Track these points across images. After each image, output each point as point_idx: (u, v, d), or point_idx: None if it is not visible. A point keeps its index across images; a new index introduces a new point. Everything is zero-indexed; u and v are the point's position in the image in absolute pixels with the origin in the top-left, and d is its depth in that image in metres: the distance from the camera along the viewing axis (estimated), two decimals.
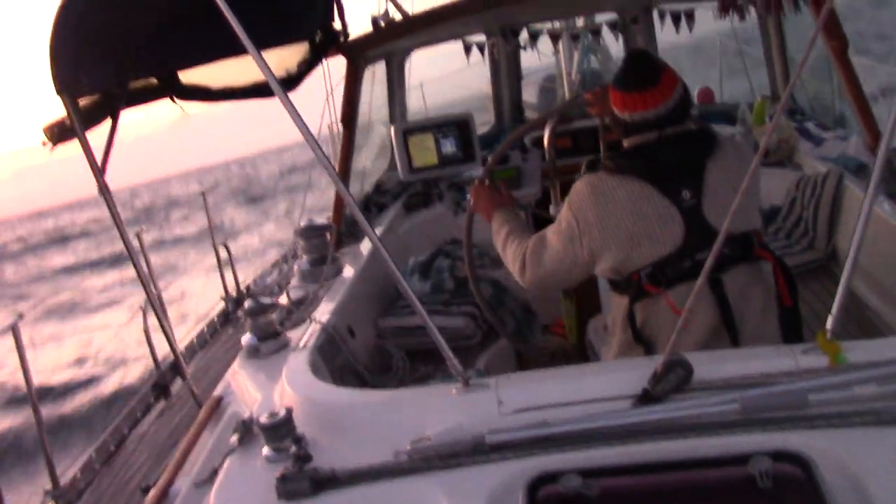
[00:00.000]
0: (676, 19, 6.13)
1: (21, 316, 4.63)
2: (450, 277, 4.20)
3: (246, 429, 2.37)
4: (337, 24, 4.09)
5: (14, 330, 4.32)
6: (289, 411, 2.18)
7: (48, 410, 8.93)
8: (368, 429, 2.21)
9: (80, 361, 12.33)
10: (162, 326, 3.78)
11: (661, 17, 6.21)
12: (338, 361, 3.20)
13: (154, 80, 3.34)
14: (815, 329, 2.05)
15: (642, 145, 2.56)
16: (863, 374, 1.89)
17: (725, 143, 2.60)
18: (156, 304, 3.64)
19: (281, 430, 2.16)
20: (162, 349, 5.15)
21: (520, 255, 2.79)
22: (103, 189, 3.00)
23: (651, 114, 2.51)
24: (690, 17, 6.09)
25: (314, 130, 2.31)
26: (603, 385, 2.08)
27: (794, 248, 4.22)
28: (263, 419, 2.17)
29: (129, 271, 3.18)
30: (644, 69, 2.54)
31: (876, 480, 1.66)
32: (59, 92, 2.80)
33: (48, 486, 4.12)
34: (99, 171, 3.00)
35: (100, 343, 12.91)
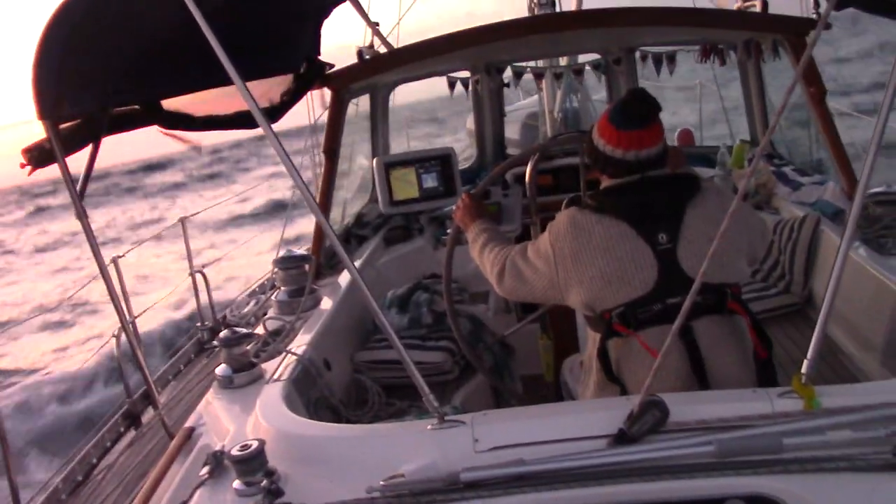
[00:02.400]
0: (658, 62, 6.22)
1: None
2: (428, 312, 4.18)
3: (217, 461, 2.33)
4: (322, 57, 4.11)
5: None
6: (261, 444, 2.15)
7: (13, 425, 8.77)
8: (342, 464, 2.18)
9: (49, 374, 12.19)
10: (134, 354, 3.74)
11: (643, 59, 6.29)
12: (313, 394, 3.17)
13: (137, 107, 3.33)
14: (790, 373, 2.06)
15: (624, 185, 2.56)
16: (837, 419, 1.90)
17: (708, 190, 2.60)
18: (129, 332, 3.59)
19: (253, 463, 2.13)
20: (134, 377, 5.09)
21: (500, 261, 2.80)
22: (81, 214, 2.97)
23: (649, 153, 2.52)
24: (672, 60, 6.19)
25: (296, 161, 2.32)
26: (579, 424, 2.07)
27: (771, 290, 4.25)
28: (235, 451, 2.14)
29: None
30: (642, 109, 2.55)
31: None
32: (41, 117, 2.79)
33: None
34: (77, 197, 2.97)
35: (74, 360, 12.77)
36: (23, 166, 3.00)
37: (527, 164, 3.93)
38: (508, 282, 2.77)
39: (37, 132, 2.86)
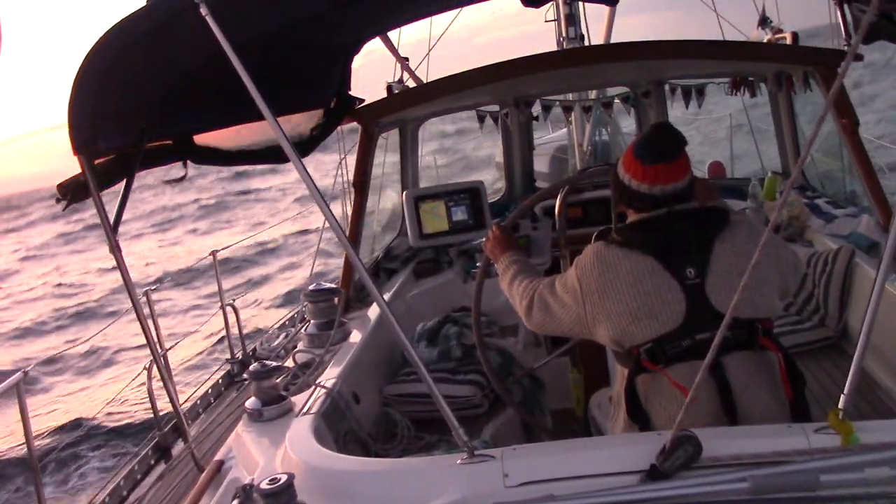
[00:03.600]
0: (687, 94, 6.21)
1: (26, 373, 4.62)
2: (458, 345, 4.17)
3: (246, 495, 2.32)
4: (352, 92, 4.16)
5: (18, 388, 4.31)
6: (290, 478, 2.14)
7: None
8: (371, 498, 2.17)
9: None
10: (166, 387, 3.75)
11: (672, 91, 6.29)
12: (342, 428, 3.16)
13: (169, 142, 3.38)
14: (825, 408, 2.02)
15: (650, 220, 2.55)
16: (876, 455, 1.85)
17: (738, 223, 2.57)
18: (161, 365, 3.61)
19: (282, 497, 2.12)
20: (164, 409, 5.10)
21: (528, 294, 2.78)
22: (114, 248, 3.01)
23: (675, 187, 2.51)
24: (700, 93, 6.17)
25: (326, 194, 2.33)
26: (611, 459, 2.04)
27: (805, 324, 4.19)
28: (264, 485, 2.13)
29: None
30: (668, 143, 2.54)
31: None
32: (76, 152, 2.84)
33: None
34: (111, 230, 3.01)
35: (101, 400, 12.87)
36: (58, 201, 3.05)
37: (556, 197, 3.93)
38: (537, 315, 2.76)
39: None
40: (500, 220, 3.36)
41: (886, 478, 1.82)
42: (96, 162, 2.95)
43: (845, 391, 1.96)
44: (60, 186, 3.03)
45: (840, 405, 1.96)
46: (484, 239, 3.24)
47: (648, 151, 2.54)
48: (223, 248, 7.90)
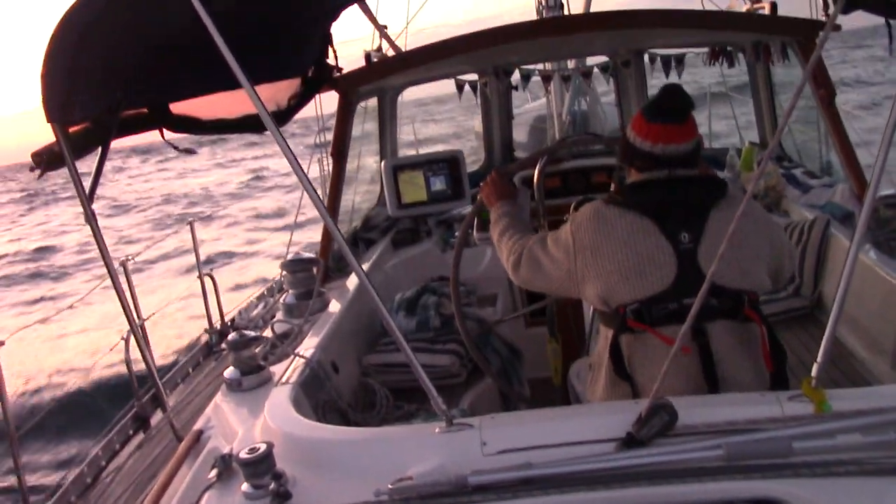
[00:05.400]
0: (667, 64, 6.21)
1: (2, 343, 4.59)
2: (436, 315, 4.18)
3: (225, 464, 2.33)
4: (330, 60, 4.11)
5: None
6: (269, 447, 2.15)
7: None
8: (349, 467, 2.18)
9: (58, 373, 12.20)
10: (144, 357, 3.75)
11: (652, 61, 6.28)
12: (321, 397, 3.17)
13: (145, 110, 3.34)
14: (800, 376, 2.05)
15: (651, 181, 2.56)
16: (847, 422, 1.89)
17: (736, 196, 2.57)
18: (138, 335, 3.60)
19: (260, 465, 2.13)
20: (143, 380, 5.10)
21: (517, 251, 2.80)
22: (90, 217, 2.98)
23: (677, 148, 2.51)
24: (680, 62, 6.17)
25: (304, 164, 2.32)
26: (587, 427, 2.06)
27: (780, 294, 4.23)
28: (243, 454, 2.14)
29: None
30: (674, 103, 2.55)
31: None
32: (50, 120, 2.80)
33: None
34: (87, 199, 2.98)
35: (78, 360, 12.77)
36: (32, 170, 3.01)
37: (534, 167, 3.93)
38: (524, 271, 2.78)
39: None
40: (476, 199, 3.36)
41: (857, 444, 1.86)
42: (71, 130, 2.92)
43: (818, 360, 1.99)
44: (35, 155, 3.00)
45: (813, 373, 1.99)
46: (481, 183, 3.25)
47: (654, 109, 2.56)
48: (199, 219, 7.84)
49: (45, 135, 2.89)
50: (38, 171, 3.02)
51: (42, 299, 19.63)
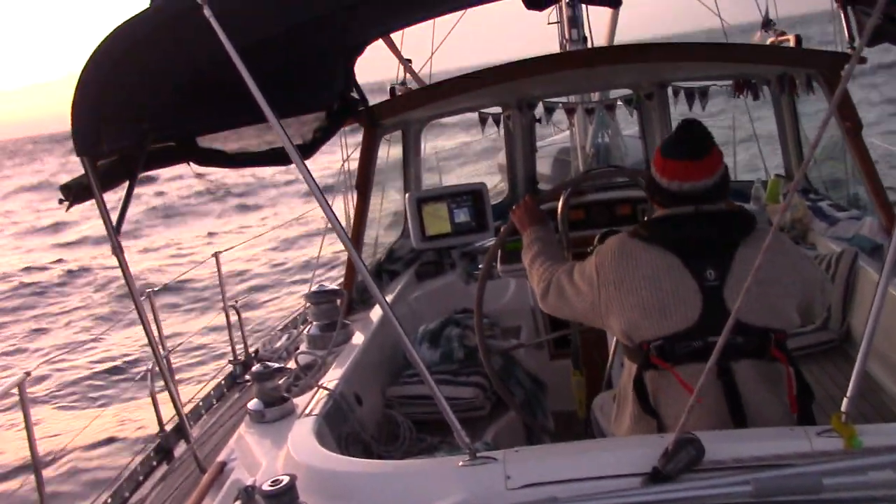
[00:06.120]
0: (690, 97, 6.20)
1: (28, 374, 4.62)
2: (460, 347, 4.17)
3: (248, 496, 2.32)
4: (355, 94, 4.15)
5: (20, 388, 4.31)
6: (292, 479, 2.14)
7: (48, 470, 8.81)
8: (373, 500, 2.17)
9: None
10: (168, 388, 3.75)
11: (675, 94, 6.28)
12: (344, 429, 3.16)
13: (172, 143, 3.39)
14: (828, 411, 2.02)
15: (676, 217, 2.53)
16: (879, 458, 1.85)
17: (764, 231, 2.52)
18: (163, 367, 3.61)
19: (283, 498, 2.12)
20: (167, 411, 5.11)
21: (546, 278, 2.80)
22: (117, 249, 3.01)
23: (694, 186, 2.49)
24: (704, 94, 6.16)
25: (329, 196, 2.33)
26: (613, 461, 2.04)
27: (808, 327, 4.18)
28: (266, 487, 2.14)
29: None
30: (695, 140, 2.53)
31: None
32: (79, 153, 2.84)
33: None
34: (114, 231, 3.01)
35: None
36: (61, 202, 3.05)
37: (558, 199, 3.92)
38: (552, 299, 2.77)
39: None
40: (499, 231, 3.37)
41: (889, 481, 1.82)
42: (99, 163, 2.96)
43: (848, 394, 1.96)
44: (63, 188, 3.04)
45: (843, 408, 1.96)
46: (514, 206, 3.24)
47: (670, 146, 2.55)
48: (226, 250, 7.90)
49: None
50: (66, 204, 3.06)
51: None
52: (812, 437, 1.99)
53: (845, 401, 1.96)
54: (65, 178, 3.09)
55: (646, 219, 2.79)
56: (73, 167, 2.90)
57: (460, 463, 2.13)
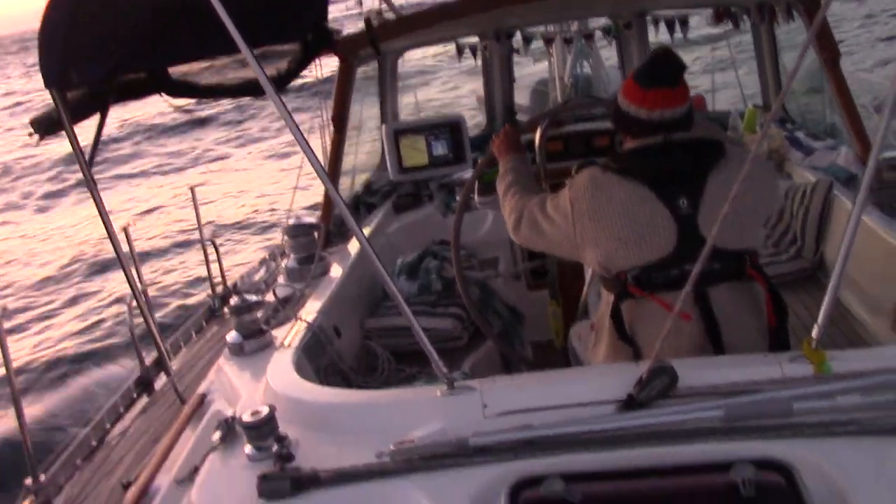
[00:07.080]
0: (670, 25, 6.15)
1: (5, 309, 4.59)
2: (437, 278, 4.19)
3: (228, 427, 2.35)
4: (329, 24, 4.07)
5: None
6: (271, 410, 2.17)
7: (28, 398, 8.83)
8: (351, 429, 2.19)
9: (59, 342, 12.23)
10: (147, 322, 3.76)
11: (655, 22, 6.22)
12: (323, 361, 3.18)
13: (143, 75, 3.32)
14: (801, 338, 2.06)
15: (646, 147, 2.53)
16: (847, 383, 1.89)
17: (734, 156, 2.53)
18: (141, 301, 3.61)
19: (263, 429, 2.15)
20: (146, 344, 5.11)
21: (518, 209, 2.80)
22: (90, 182, 2.97)
23: (667, 114, 2.48)
24: (684, 23, 6.11)
25: (304, 129, 2.30)
26: (588, 390, 2.07)
27: (782, 256, 4.23)
28: (246, 417, 2.16)
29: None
30: (669, 68, 2.50)
31: (858, 490, 1.66)
32: (48, 85, 2.78)
33: (28, 480, 4.08)
34: (86, 165, 2.97)
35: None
36: (31, 136, 3.00)
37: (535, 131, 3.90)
38: (525, 231, 2.78)
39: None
40: (476, 162, 3.35)
41: (857, 405, 1.86)
42: (69, 95, 2.90)
43: (819, 321, 1.99)
44: (33, 121, 2.99)
45: (814, 335, 1.99)
46: (495, 135, 3.24)
47: (648, 76, 2.51)
48: (200, 185, 7.82)
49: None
50: (36, 137, 3.01)
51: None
52: (783, 363, 2.03)
53: (816, 327, 1.99)
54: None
55: (616, 151, 2.77)
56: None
57: (438, 392, 2.16)
